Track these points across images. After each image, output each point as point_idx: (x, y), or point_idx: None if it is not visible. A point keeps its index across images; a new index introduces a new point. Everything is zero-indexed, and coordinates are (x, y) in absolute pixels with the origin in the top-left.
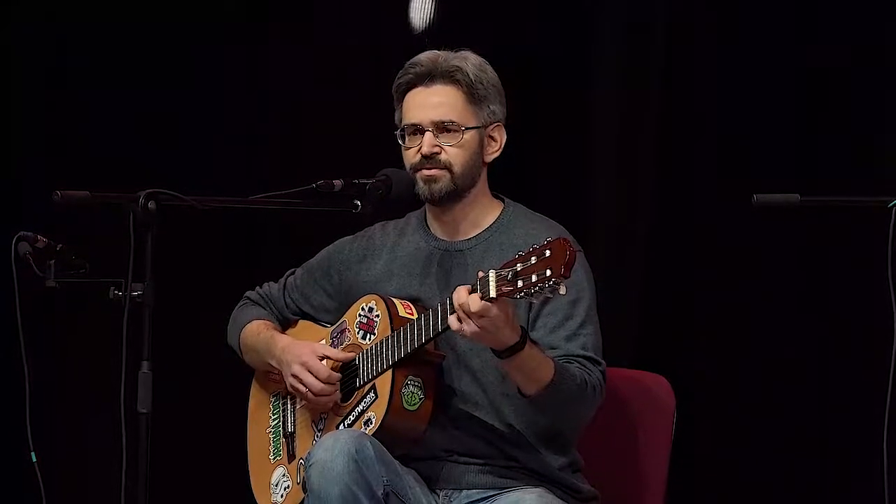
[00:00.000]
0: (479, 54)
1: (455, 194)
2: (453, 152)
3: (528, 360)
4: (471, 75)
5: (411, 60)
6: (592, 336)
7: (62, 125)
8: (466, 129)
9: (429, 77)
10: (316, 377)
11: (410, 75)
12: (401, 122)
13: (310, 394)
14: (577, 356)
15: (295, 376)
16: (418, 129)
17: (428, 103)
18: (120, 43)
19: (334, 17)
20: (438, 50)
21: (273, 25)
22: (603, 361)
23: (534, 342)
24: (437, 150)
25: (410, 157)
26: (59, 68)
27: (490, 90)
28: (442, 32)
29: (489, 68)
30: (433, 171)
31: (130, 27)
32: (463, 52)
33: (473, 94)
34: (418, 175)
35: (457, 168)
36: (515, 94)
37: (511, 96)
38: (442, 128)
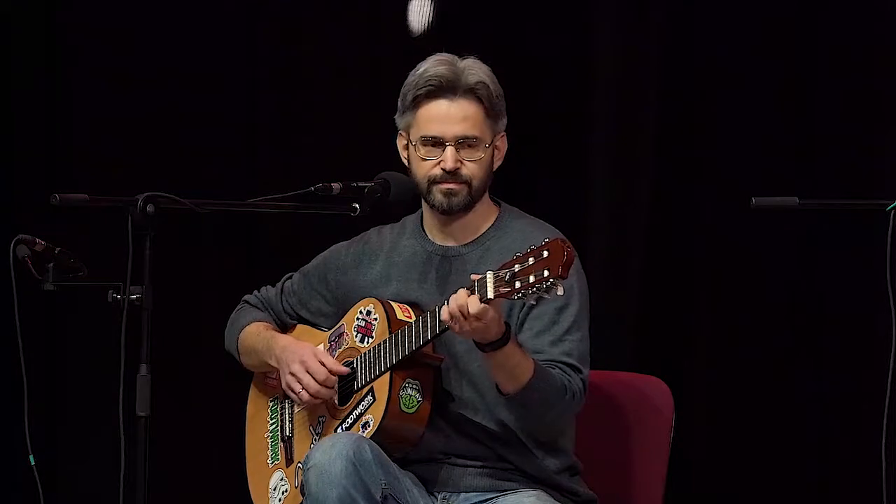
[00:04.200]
0: (478, 56)
1: (469, 206)
2: (473, 167)
3: (510, 357)
4: (491, 90)
5: (429, 70)
6: (577, 343)
7: (61, 127)
8: (487, 145)
9: (451, 90)
10: (314, 378)
11: (432, 86)
12: (409, 129)
13: (305, 394)
14: (560, 362)
15: (293, 374)
16: (439, 142)
17: (453, 117)
18: (119, 44)
19: (333, 19)
20: (444, 55)
21: (272, 27)
22: (585, 370)
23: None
24: (459, 165)
25: (427, 168)
26: (58, 70)
27: (501, 102)
28: (440, 34)
29: (495, 78)
30: (453, 185)
31: (130, 28)
32: (467, 59)
33: (492, 109)
34: (436, 187)
35: (475, 182)
36: (514, 96)
37: (509, 98)
38: (463, 143)
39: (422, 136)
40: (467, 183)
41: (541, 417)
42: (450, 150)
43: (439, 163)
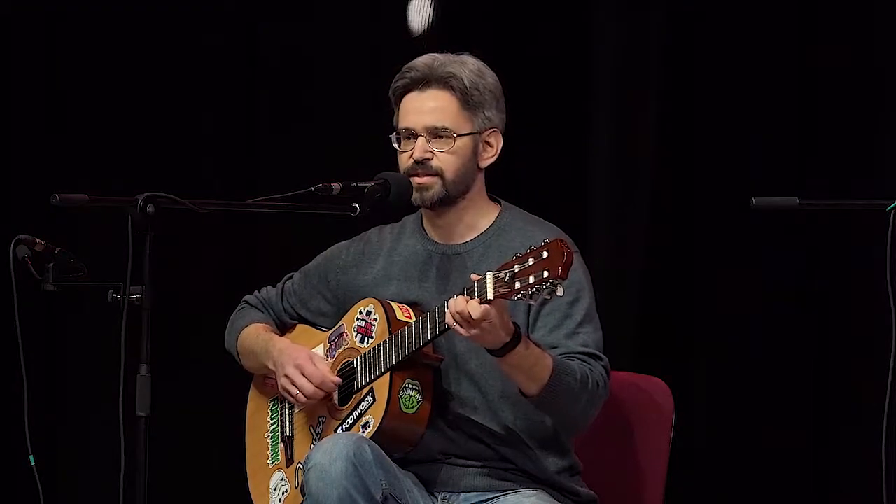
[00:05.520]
0: (478, 56)
1: (448, 200)
2: (445, 158)
3: (525, 358)
4: (466, 81)
5: (408, 64)
6: (593, 333)
7: (60, 127)
8: (459, 135)
9: (423, 82)
10: (309, 380)
11: (406, 80)
12: (397, 125)
13: (301, 396)
14: (578, 353)
15: (288, 377)
16: (412, 134)
17: (422, 108)
18: (119, 45)
19: (333, 19)
20: (439, 53)
21: (272, 27)
22: (605, 357)
23: (531, 341)
24: (428, 155)
25: (404, 161)
26: (58, 70)
27: (486, 96)
28: (441, 34)
29: (488, 73)
30: (424, 179)
31: (130, 29)
32: (462, 56)
33: (468, 101)
34: (412, 181)
35: (448, 174)
36: (514, 96)
37: (510, 98)
38: (435, 133)
39: (399, 129)
40: (439, 175)
41: (569, 412)
42: (420, 140)
43: (413, 154)
